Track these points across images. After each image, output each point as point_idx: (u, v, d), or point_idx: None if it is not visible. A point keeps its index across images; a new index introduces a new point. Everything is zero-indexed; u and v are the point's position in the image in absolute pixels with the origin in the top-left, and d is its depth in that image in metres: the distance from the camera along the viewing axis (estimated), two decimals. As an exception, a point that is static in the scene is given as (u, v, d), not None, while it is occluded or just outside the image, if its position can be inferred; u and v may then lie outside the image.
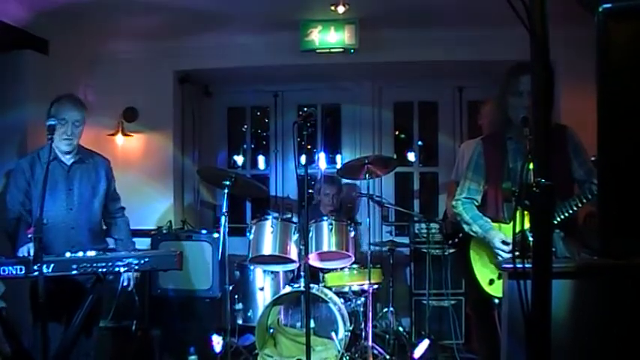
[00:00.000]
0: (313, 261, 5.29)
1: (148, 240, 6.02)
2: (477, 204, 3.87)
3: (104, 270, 3.71)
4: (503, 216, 3.73)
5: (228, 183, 5.34)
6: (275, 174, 7.79)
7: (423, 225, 6.55)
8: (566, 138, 3.65)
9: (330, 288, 5.46)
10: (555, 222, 3.37)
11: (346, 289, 5.58)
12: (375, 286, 5.61)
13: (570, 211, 3.46)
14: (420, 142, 7.80)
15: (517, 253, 2.41)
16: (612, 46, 1.62)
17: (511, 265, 2.12)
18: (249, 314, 5.63)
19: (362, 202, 7.23)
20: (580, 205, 3.46)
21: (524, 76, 3.43)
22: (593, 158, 3.69)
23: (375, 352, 5.42)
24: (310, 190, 6.57)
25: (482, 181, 3.85)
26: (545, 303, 1.80)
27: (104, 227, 4.58)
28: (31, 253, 3.74)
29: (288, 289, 5.34)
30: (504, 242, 3.58)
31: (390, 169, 6.08)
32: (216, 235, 5.75)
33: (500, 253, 3.58)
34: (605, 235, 1.70)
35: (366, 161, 5.56)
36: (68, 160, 4.26)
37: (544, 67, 1.79)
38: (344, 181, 6.63)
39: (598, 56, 1.63)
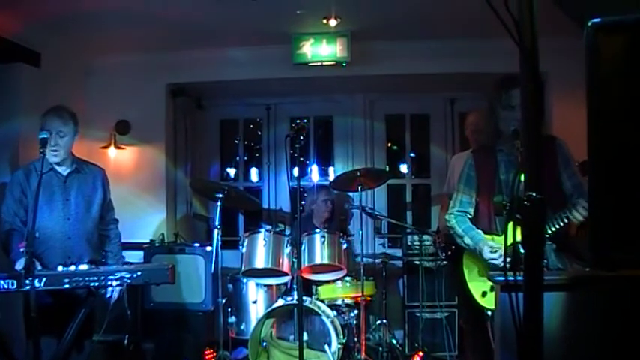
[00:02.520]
0: (306, 273, 5.29)
1: (140, 253, 5.99)
2: (469, 217, 3.87)
3: (96, 284, 3.70)
4: (496, 228, 3.72)
5: (220, 196, 5.34)
6: (268, 186, 7.79)
7: (416, 237, 6.54)
8: (556, 149, 3.66)
9: (322, 300, 5.45)
10: (547, 234, 3.38)
11: (339, 302, 5.57)
12: (368, 299, 5.61)
13: (560, 224, 3.46)
14: (412, 154, 7.82)
15: (509, 265, 2.42)
16: (601, 59, 1.63)
17: (503, 278, 2.13)
18: (242, 327, 5.60)
19: (354, 215, 7.23)
20: (567, 221, 3.46)
21: (515, 90, 3.42)
22: (576, 164, 3.71)
23: (369, 364, 5.42)
24: (302, 203, 6.57)
25: (473, 194, 3.85)
26: (537, 315, 1.80)
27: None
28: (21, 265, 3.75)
29: (280, 301, 5.33)
30: (492, 249, 3.58)
31: (383, 181, 6.09)
32: (208, 248, 5.73)
33: (492, 262, 3.57)
34: (596, 247, 1.71)
35: (359, 174, 5.57)
36: (64, 170, 4.25)
37: (533, 80, 1.80)
38: (335, 192, 6.64)
39: (587, 69, 1.65)
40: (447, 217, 3.99)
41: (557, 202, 3.53)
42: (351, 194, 6.96)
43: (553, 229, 3.45)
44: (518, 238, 1.95)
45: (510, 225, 2.37)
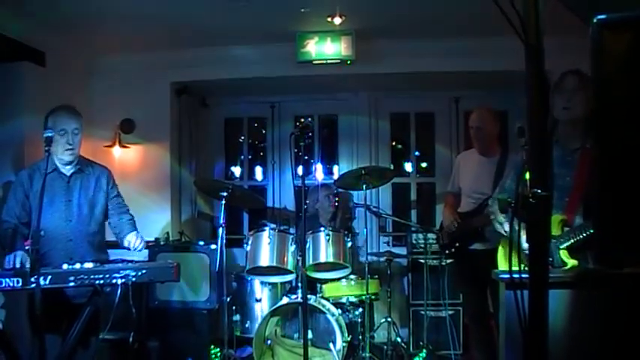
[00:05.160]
0: (311, 272, 5.29)
1: (145, 251, 5.99)
2: (512, 205, 3.82)
3: (101, 282, 3.70)
4: None
5: (225, 194, 5.33)
6: (272, 185, 7.79)
7: (421, 235, 6.54)
8: None
9: (327, 299, 5.45)
10: (582, 237, 3.33)
11: (344, 300, 5.57)
12: (373, 297, 5.61)
13: (583, 235, 3.41)
14: (416, 153, 7.81)
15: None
16: (607, 56, 1.63)
17: (508, 276, 2.13)
18: (246, 325, 5.62)
19: (359, 213, 7.21)
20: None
21: (568, 77, 3.44)
22: None
23: (373, 362, 5.42)
24: (307, 201, 6.56)
25: None
26: (541, 313, 1.80)
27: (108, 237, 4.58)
28: (17, 263, 3.74)
29: (285, 300, 5.33)
30: None
31: (387, 179, 6.08)
32: (213, 246, 5.73)
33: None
34: (601, 245, 1.70)
35: (363, 172, 5.55)
36: (68, 170, 4.25)
37: (539, 77, 1.80)
38: (341, 191, 6.64)
39: (593, 66, 1.64)
40: (490, 201, 3.96)
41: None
42: (354, 192, 6.95)
43: (579, 237, 3.39)
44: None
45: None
